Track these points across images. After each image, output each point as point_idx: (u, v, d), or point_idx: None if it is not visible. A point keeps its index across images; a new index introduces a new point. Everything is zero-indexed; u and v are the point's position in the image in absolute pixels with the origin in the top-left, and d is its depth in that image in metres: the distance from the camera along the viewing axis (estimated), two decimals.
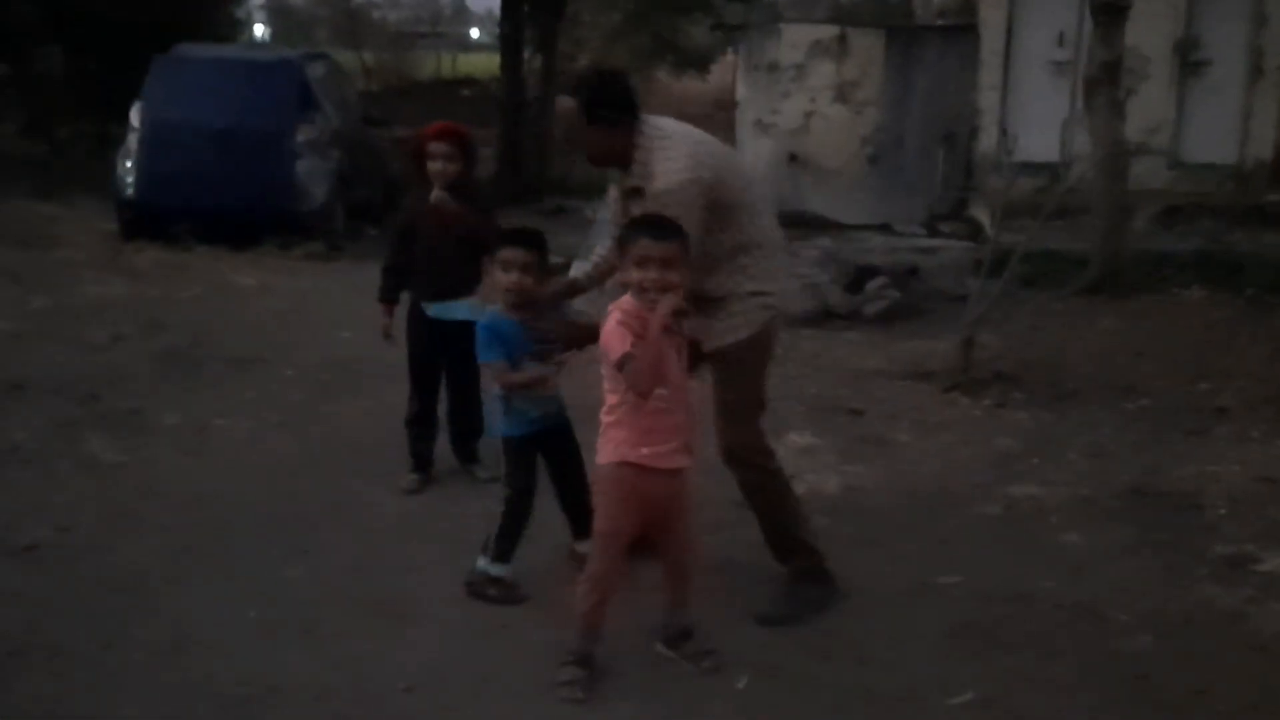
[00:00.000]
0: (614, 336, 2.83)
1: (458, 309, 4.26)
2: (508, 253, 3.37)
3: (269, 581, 3.53)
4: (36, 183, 13.03)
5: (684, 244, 2.87)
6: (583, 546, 3.45)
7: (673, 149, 3.20)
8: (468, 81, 18.37)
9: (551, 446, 3.53)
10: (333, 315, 7.07)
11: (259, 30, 31.65)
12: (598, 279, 3.58)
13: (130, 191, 9.39)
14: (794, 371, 6.02)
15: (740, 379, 3.36)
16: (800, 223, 9.94)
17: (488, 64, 18.52)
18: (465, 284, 4.26)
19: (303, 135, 9.43)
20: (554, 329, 3.39)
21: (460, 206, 4.18)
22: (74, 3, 16.58)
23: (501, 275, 3.39)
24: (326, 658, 3.11)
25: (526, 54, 13.25)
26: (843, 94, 10.60)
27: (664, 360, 2.84)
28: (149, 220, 9.39)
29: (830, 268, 8.01)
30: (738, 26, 12.41)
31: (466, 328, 4.20)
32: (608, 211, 3.62)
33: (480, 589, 3.45)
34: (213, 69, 9.88)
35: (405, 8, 32.70)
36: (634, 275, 2.84)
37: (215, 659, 3.08)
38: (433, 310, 4.32)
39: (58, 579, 3.52)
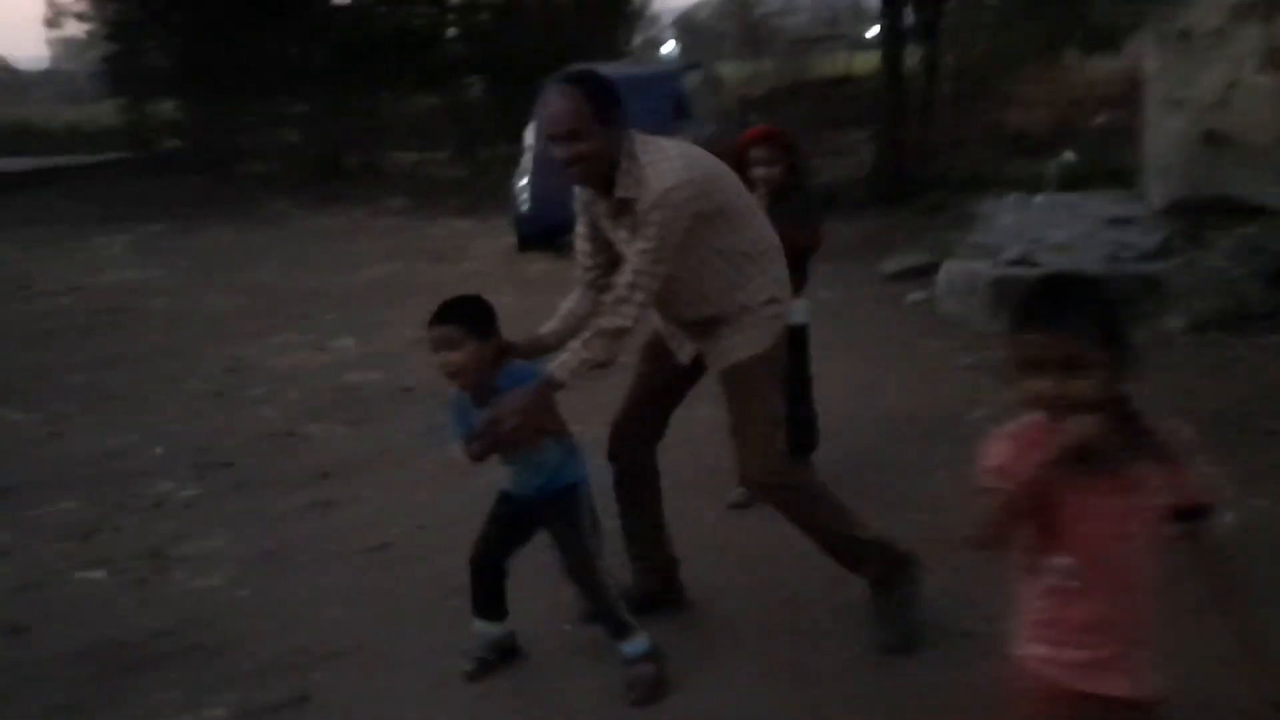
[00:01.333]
0: (984, 460, 1.83)
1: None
2: (431, 332, 2.88)
3: None
4: (459, 202, 14.49)
5: (1085, 332, 1.72)
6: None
7: (663, 153, 2.87)
8: (849, 80, 18.05)
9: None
10: None
11: (669, 46, 33.29)
12: (565, 334, 3.10)
13: (524, 208, 10.10)
14: (1191, 383, 5.24)
15: (758, 397, 3.02)
16: (1219, 209, 8.73)
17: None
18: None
19: None
20: (488, 416, 2.85)
21: (777, 214, 4.08)
22: (494, 37, 18.28)
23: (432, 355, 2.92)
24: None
25: (910, 46, 12.75)
26: (1273, 60, 9.18)
27: (1058, 509, 1.77)
28: (541, 234, 10.04)
29: (1250, 260, 6.95)
30: None
31: (793, 333, 4.17)
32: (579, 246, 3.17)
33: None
34: None
35: (803, 13, 32.97)
36: (1022, 384, 1.78)
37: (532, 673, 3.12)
38: None
39: (401, 579, 3.74)
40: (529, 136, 10.26)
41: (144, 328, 7.97)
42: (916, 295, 7.73)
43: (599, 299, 3.01)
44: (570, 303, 3.16)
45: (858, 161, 12.88)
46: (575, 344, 2.90)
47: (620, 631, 2.99)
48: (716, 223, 2.93)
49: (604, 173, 2.89)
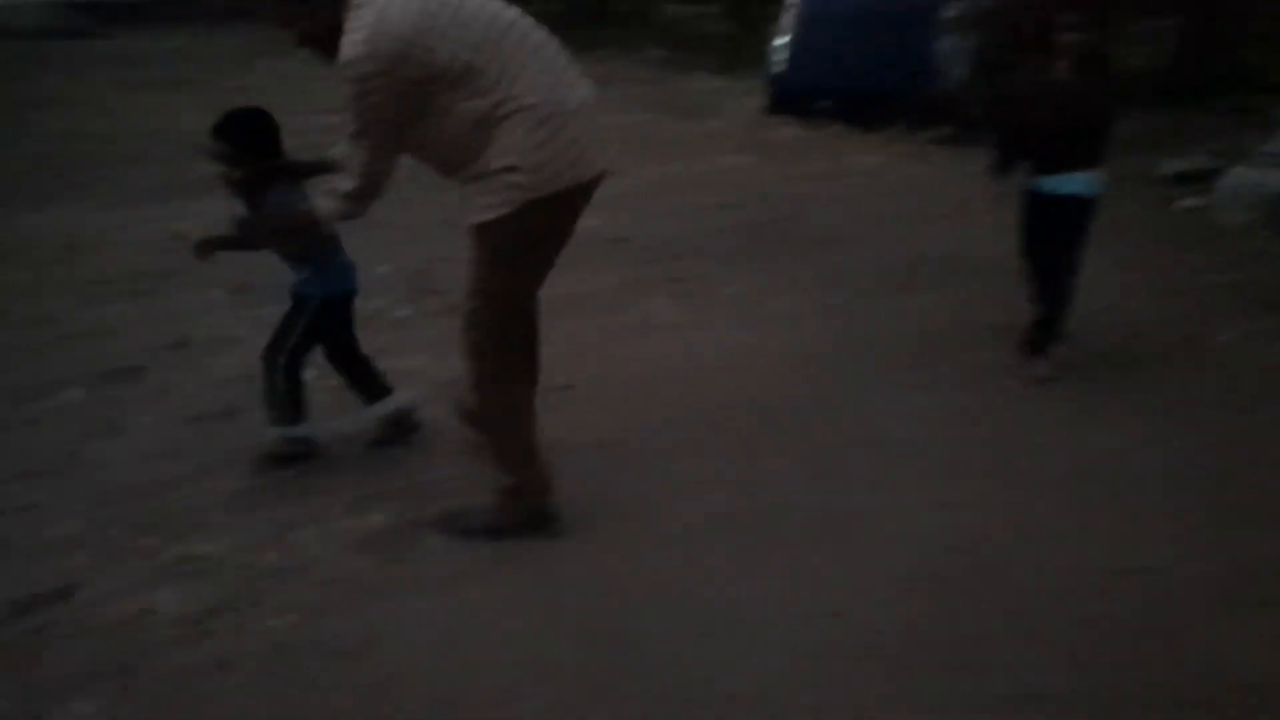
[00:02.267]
0: None
1: (1069, 182, 4.04)
2: (210, 142, 3.26)
3: (738, 476, 3.46)
4: (720, 59, 14.19)
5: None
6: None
7: (360, 20, 2.66)
8: None
9: None
10: (934, 203, 6.76)
11: None
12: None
13: (778, 69, 9.75)
14: None
15: (481, 264, 2.93)
16: None
17: None
18: (1080, 159, 4.02)
19: (948, 13, 9.02)
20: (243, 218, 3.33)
21: (1079, 83, 3.90)
22: None
23: None
24: (764, 575, 2.99)
25: None
26: None
27: None
28: (793, 97, 9.70)
29: None
30: None
31: (1079, 203, 4.04)
32: None
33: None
34: None
35: None
36: None
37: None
38: (1044, 184, 4.09)
39: (574, 420, 3.77)
40: None
41: None
42: (1190, 201, 7.00)
43: None
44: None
45: (1154, 51, 11.64)
46: (324, 193, 3.00)
47: (275, 417, 3.51)
48: (434, 88, 2.74)
49: (329, 46, 2.81)
